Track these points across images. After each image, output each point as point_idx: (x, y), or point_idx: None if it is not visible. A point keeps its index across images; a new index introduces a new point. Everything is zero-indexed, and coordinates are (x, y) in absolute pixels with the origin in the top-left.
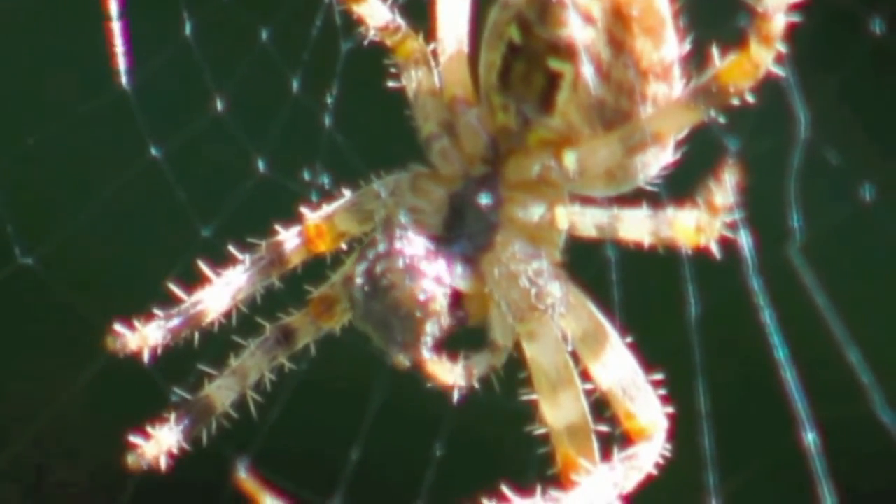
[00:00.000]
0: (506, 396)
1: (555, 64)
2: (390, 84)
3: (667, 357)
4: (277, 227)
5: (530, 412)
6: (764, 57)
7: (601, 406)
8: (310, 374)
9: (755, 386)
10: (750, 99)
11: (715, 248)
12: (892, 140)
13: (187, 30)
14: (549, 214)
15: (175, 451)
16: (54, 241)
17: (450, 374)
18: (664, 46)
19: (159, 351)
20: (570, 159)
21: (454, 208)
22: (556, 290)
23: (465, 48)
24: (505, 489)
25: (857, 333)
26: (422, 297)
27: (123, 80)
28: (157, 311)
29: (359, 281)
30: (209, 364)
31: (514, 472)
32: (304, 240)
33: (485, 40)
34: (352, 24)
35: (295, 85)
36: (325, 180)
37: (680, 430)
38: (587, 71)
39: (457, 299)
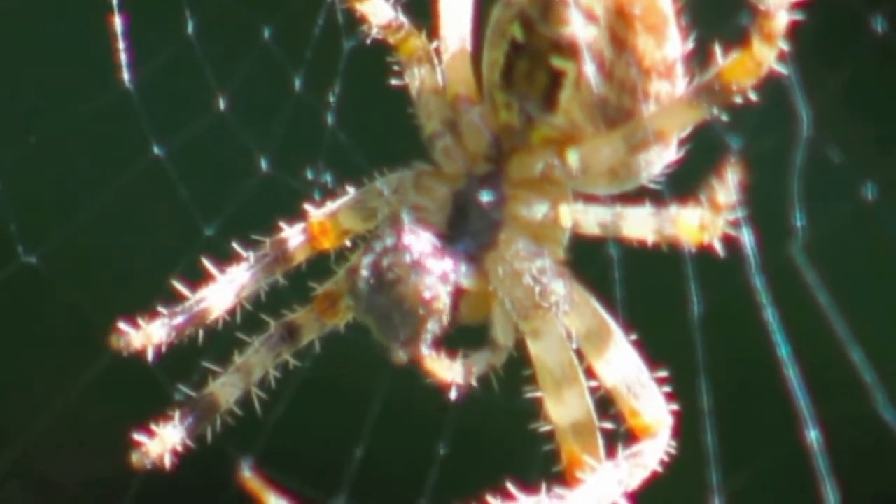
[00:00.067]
0: (509, 394)
1: (557, 62)
2: (393, 82)
3: (669, 355)
4: (281, 225)
5: (535, 410)
6: (766, 55)
7: (606, 403)
8: (314, 373)
9: (758, 384)
10: (752, 97)
11: (718, 246)
12: (894, 138)
13: (189, 28)
14: (553, 212)
15: (179, 448)
16: (57, 239)
17: (448, 371)
18: (667, 45)
19: (163, 349)
20: (573, 157)
21: (457, 206)
22: (560, 287)
23: (468, 46)
24: (510, 487)
25: (859, 332)
26: (426, 295)
27: (126, 78)
28: (161, 309)
29: (364, 273)
30: (213, 361)
31: (518, 469)
32: (308, 237)
33: (487, 38)
34: (354, 22)
35: (297, 83)
36: (328, 178)
37: (683, 428)
38: (590, 69)
39: (458, 297)
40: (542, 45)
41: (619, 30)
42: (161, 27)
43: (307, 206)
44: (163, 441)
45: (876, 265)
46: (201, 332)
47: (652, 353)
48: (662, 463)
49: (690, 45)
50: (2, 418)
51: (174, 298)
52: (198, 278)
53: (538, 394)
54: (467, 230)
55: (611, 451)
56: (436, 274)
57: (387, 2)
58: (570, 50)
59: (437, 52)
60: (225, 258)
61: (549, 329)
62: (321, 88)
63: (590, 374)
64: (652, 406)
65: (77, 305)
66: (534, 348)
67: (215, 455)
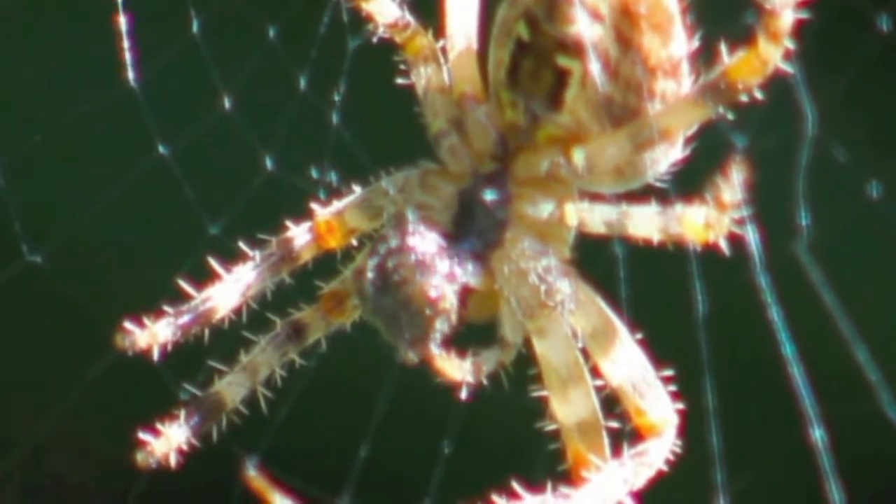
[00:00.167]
0: (515, 393)
1: (563, 61)
2: (399, 81)
3: (674, 354)
4: (287, 224)
5: (540, 408)
6: (772, 54)
7: (611, 402)
8: (319, 372)
9: (762, 383)
10: (758, 96)
11: (723, 245)
12: None
13: (194, 27)
14: (558, 211)
15: (185, 448)
16: (61, 238)
17: (458, 370)
18: (672, 43)
19: (169, 348)
20: (578, 156)
21: (463, 205)
22: (566, 286)
23: (474, 45)
24: (515, 486)
25: (864, 330)
26: (433, 294)
27: (131, 77)
28: (166, 308)
29: (370, 275)
30: (219, 361)
31: (524, 468)
32: (314, 236)
33: (493, 37)
34: (359, 21)
35: (302, 82)
36: (333, 177)
37: (687, 427)
38: (595, 68)
39: (465, 296)
40: (548, 44)
41: (625, 28)
42: (166, 26)
43: (313, 205)
44: (168, 440)
45: (881, 264)
46: (207, 331)
47: (657, 351)
48: (668, 462)
49: (696, 43)
50: (6, 417)
51: (180, 297)
52: (203, 277)
53: (544, 392)
54: (473, 229)
55: (616, 450)
56: (442, 273)
57: (393, 0)
58: (575, 49)
59: (443, 50)
60: (230, 257)
61: (554, 328)
62: (326, 88)
63: (595, 372)
64: (657, 405)
65: (82, 304)
66: (539, 347)
67: (221, 454)
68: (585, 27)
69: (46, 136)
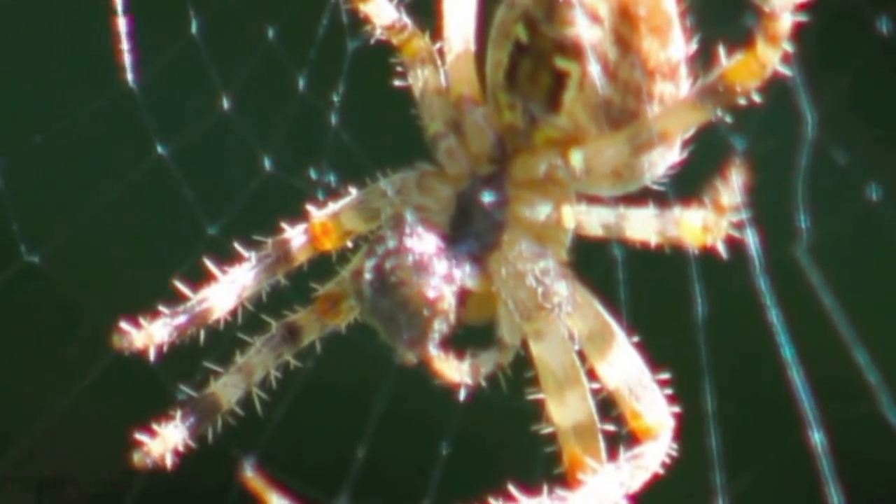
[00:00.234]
0: (512, 395)
1: (561, 63)
2: (396, 83)
3: (673, 357)
4: (284, 225)
5: (537, 411)
6: (771, 56)
7: (608, 405)
8: (315, 373)
9: (761, 386)
10: (756, 98)
11: (721, 248)
12: None
13: (193, 28)
14: (556, 213)
15: (181, 448)
16: (59, 239)
17: (457, 371)
18: (671, 46)
19: (165, 349)
20: (576, 158)
21: (461, 207)
22: (563, 289)
23: (472, 47)
24: (511, 488)
25: (863, 333)
26: (430, 295)
27: (129, 77)
28: (162, 309)
29: (367, 276)
30: (215, 362)
31: (520, 471)
32: (310, 237)
33: (491, 39)
34: (358, 22)
35: (301, 83)
36: (331, 179)
37: (686, 430)
38: (594, 70)
39: (463, 297)
40: (546, 46)
41: (624, 31)
42: (165, 27)
43: (309, 207)
44: (164, 441)
45: (880, 266)
46: (203, 332)
47: (656, 354)
48: (664, 465)
49: (694, 46)
50: (3, 418)
51: (176, 298)
52: (200, 278)
53: (540, 395)
54: (470, 231)
55: (612, 453)
56: (439, 275)
57: (390, 2)
58: (574, 51)
59: (441, 52)
60: (227, 258)
61: (551, 330)
62: (325, 89)
63: (592, 375)
64: (654, 408)
65: (79, 305)
66: (536, 349)
67: (217, 455)
68: (584, 29)
69: (45, 136)
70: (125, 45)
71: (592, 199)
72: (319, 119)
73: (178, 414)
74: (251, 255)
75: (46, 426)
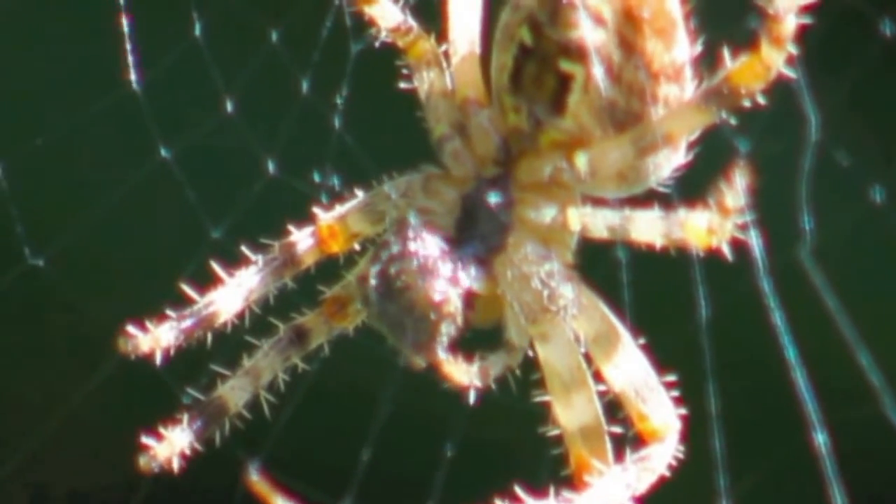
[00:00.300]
0: (518, 397)
1: (566, 66)
2: (401, 85)
3: (677, 359)
4: (290, 228)
5: (543, 413)
6: (775, 59)
7: (614, 407)
8: (320, 376)
9: (765, 387)
10: (761, 100)
11: (726, 250)
12: None
13: (197, 30)
14: (561, 216)
15: (187, 452)
16: (64, 241)
17: (465, 374)
18: (675, 48)
19: (171, 352)
20: (581, 161)
21: (466, 210)
22: (569, 291)
23: (477, 49)
24: (518, 490)
25: (867, 335)
26: (436, 298)
27: (133, 80)
28: (169, 312)
29: (372, 282)
30: (222, 365)
31: (526, 473)
32: (316, 240)
33: (496, 42)
34: (362, 25)
35: (305, 86)
36: (335, 182)
37: (690, 432)
38: (598, 73)
39: (470, 300)
40: (551, 49)
41: (628, 33)
42: (168, 29)
43: (316, 210)
44: (171, 444)
45: (884, 268)
46: (210, 336)
47: (659, 356)
48: (670, 467)
49: (699, 48)
50: (8, 422)
51: (182, 301)
52: (206, 281)
53: (546, 397)
54: (476, 233)
55: (619, 455)
56: (444, 277)
57: (395, 4)
58: (578, 53)
59: (446, 55)
60: (232, 261)
61: (557, 333)
62: (328, 91)
63: (598, 377)
64: (660, 410)
65: (84, 308)
66: (542, 352)
67: (222, 458)
68: (588, 32)
69: (48, 139)
70: (129, 47)
71: (598, 202)
72: (323, 122)
73: (185, 417)
74: (258, 258)
75: (52, 430)
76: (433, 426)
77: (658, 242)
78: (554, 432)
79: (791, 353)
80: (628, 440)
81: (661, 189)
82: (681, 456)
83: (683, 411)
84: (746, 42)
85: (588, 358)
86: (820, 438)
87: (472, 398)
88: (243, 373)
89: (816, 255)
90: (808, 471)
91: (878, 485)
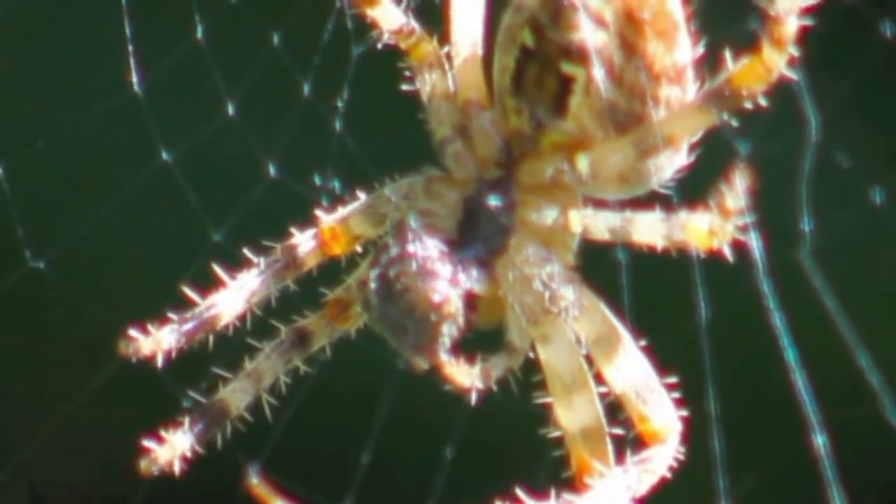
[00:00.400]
0: (519, 399)
1: (567, 67)
2: (403, 87)
3: (677, 360)
4: (292, 230)
5: (544, 415)
6: (776, 60)
7: (615, 409)
8: (320, 378)
9: (765, 389)
10: (762, 102)
11: (727, 251)
12: None
13: (199, 33)
14: (563, 218)
15: (189, 455)
16: (65, 244)
17: (467, 376)
18: (676, 50)
19: (173, 355)
20: (583, 163)
21: (468, 212)
22: (570, 293)
23: (479, 51)
24: (518, 492)
25: (866, 336)
26: (437, 300)
27: (135, 82)
28: (170, 315)
29: (373, 285)
30: (223, 367)
31: (527, 475)
32: (318, 242)
33: (498, 44)
34: (364, 27)
35: (306, 89)
36: (336, 184)
37: (690, 433)
38: (599, 74)
39: (471, 302)
40: (553, 51)
41: (629, 35)
42: (170, 32)
43: (318, 212)
44: (172, 447)
45: (883, 269)
46: (211, 338)
47: (660, 357)
48: (671, 468)
49: (700, 50)
50: (9, 424)
51: (184, 304)
52: (207, 284)
53: (547, 399)
54: (477, 235)
55: (620, 457)
56: (445, 279)
57: (398, 7)
58: (580, 55)
59: (448, 57)
60: (234, 264)
61: (558, 334)
62: (330, 94)
63: (599, 379)
64: (661, 412)
65: (84, 310)
66: (543, 353)
67: (221, 460)
68: (590, 34)
69: (50, 141)
70: (130, 50)
71: (599, 203)
72: (324, 124)
73: (187, 420)
74: (260, 261)
75: (52, 432)
76: (433, 428)
77: (659, 244)
78: (555, 434)
79: (791, 355)
80: (629, 442)
81: (663, 191)
82: (681, 457)
83: (684, 413)
84: (748, 44)
85: (589, 359)
86: (819, 439)
87: (473, 400)
88: (245, 375)
89: (816, 256)
90: (808, 472)
91: (877, 486)
